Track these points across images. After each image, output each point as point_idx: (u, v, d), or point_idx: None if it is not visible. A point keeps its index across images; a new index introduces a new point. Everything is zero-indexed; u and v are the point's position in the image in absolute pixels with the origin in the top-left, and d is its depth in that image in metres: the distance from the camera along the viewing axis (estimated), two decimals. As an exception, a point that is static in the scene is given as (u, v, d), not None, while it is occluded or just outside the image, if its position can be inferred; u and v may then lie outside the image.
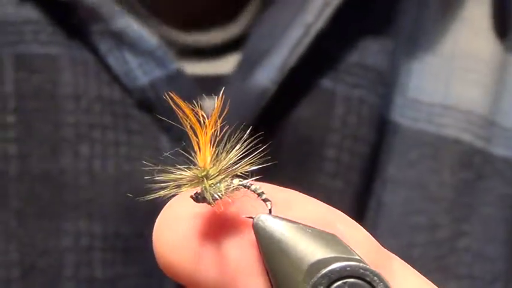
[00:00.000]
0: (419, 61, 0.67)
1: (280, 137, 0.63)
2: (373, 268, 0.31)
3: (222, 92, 0.31)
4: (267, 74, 0.61)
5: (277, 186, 0.33)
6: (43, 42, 0.61)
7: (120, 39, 0.61)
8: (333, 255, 0.31)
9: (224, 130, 0.32)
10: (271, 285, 0.31)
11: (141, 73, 0.61)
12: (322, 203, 0.33)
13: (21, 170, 0.60)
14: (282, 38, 0.62)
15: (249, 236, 0.31)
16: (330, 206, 0.33)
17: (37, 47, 0.61)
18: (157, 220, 0.32)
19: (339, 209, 0.61)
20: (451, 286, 0.63)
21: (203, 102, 0.64)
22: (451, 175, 0.64)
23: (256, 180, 0.32)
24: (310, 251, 0.31)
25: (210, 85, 0.64)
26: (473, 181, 0.65)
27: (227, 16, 0.67)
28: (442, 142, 0.65)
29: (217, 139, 0.32)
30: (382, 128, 0.65)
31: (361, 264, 0.31)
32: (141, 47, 0.61)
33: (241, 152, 0.32)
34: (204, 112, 0.61)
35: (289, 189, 0.33)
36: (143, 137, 0.61)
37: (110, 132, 0.61)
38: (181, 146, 0.32)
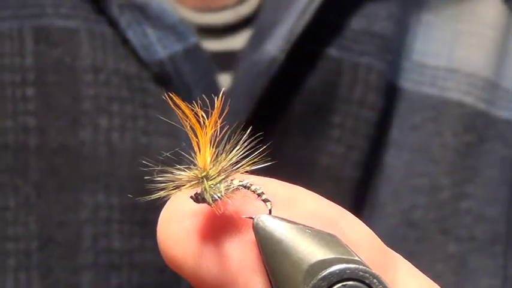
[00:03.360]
0: (425, 25, 0.67)
1: (289, 107, 0.63)
2: (372, 270, 0.31)
3: (221, 92, 0.30)
4: (275, 44, 0.62)
5: (282, 182, 0.33)
6: (63, 15, 0.61)
7: (143, 13, 0.61)
8: (332, 256, 0.31)
9: (224, 130, 0.31)
10: (271, 285, 0.31)
11: (160, 47, 0.61)
12: (325, 199, 0.33)
13: (40, 143, 0.60)
14: (288, 8, 0.63)
15: (250, 236, 0.31)
16: (333, 203, 0.33)
17: (57, 20, 0.61)
18: (161, 213, 0.33)
19: (342, 174, 0.62)
20: (451, 248, 0.64)
21: (218, 77, 0.65)
22: (453, 138, 0.65)
23: (261, 169, 0.32)
24: (310, 251, 0.31)
25: (224, 60, 0.64)
26: (475, 144, 0.65)
27: None
28: (444, 105, 0.65)
29: (217, 139, 0.31)
30: (390, 94, 0.65)
31: (360, 267, 0.30)
32: (164, 21, 0.62)
33: (241, 152, 0.32)
34: (219, 87, 0.61)
35: (293, 185, 0.33)
36: (159, 111, 0.61)
37: (127, 106, 0.61)
38: (181, 147, 0.32)
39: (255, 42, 0.64)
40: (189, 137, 0.62)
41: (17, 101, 0.60)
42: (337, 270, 0.30)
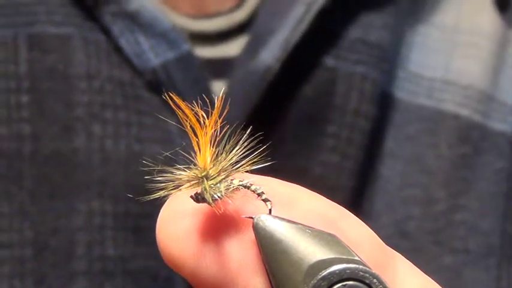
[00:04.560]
0: (422, 35, 0.67)
1: (284, 115, 0.63)
2: (372, 270, 0.31)
3: (222, 92, 0.31)
4: (271, 52, 0.62)
5: (282, 181, 0.33)
6: (56, 22, 0.61)
7: (134, 20, 0.61)
8: (332, 256, 0.31)
9: (224, 130, 0.31)
10: (271, 285, 0.31)
11: (153, 55, 0.62)
12: (326, 199, 0.33)
13: (34, 150, 0.60)
14: (285, 17, 0.63)
15: (250, 236, 0.31)
16: (333, 203, 0.33)
17: (50, 27, 0.61)
18: (161, 212, 0.33)
19: (336, 183, 0.62)
20: (445, 260, 0.64)
21: (212, 84, 0.65)
22: (448, 149, 0.65)
23: (261, 170, 0.32)
24: (310, 251, 0.31)
25: (218, 67, 0.64)
26: (470, 156, 0.65)
27: (233, 2, 0.67)
28: (440, 117, 0.65)
29: (217, 139, 0.31)
30: (384, 103, 0.65)
31: (360, 267, 0.30)
32: (155, 28, 0.62)
33: (241, 152, 0.32)
34: (213, 95, 0.61)
35: (293, 184, 0.33)
36: (153, 118, 0.61)
37: (121, 113, 0.61)
38: (181, 146, 0.32)
39: (251, 50, 0.64)
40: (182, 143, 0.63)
41: (11, 108, 0.60)
42: (337, 270, 0.30)
